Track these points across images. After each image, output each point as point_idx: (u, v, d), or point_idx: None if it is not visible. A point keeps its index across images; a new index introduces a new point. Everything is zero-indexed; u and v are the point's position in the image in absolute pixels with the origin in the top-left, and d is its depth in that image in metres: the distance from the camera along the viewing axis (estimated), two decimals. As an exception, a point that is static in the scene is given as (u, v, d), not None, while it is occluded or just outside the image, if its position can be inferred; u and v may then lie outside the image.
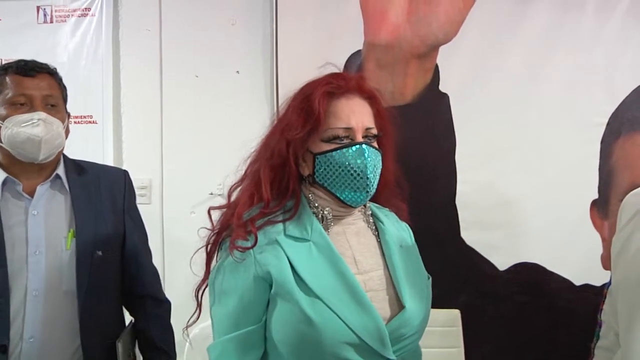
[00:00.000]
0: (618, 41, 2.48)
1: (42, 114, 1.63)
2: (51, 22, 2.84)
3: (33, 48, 2.72)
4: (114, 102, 2.84)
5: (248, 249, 1.26)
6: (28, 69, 1.67)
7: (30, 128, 1.61)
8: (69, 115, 1.79)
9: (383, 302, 1.30)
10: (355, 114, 1.31)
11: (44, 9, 2.83)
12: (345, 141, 1.30)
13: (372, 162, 1.30)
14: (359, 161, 1.28)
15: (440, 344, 2.29)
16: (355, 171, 1.28)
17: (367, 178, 1.29)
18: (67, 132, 1.75)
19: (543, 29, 2.53)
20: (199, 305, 1.39)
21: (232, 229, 1.30)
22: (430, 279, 1.44)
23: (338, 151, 1.29)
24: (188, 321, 1.42)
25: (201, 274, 1.37)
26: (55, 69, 1.76)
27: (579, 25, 2.51)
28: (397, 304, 1.32)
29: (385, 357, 1.25)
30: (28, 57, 1.74)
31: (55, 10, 2.83)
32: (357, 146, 1.29)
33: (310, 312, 1.21)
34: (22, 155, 1.65)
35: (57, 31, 2.84)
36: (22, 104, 1.64)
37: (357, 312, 1.24)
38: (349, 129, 1.30)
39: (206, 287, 1.36)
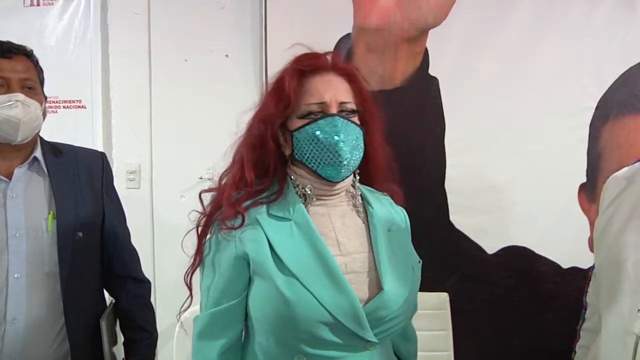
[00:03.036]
0: (607, 25, 2.48)
1: (21, 96, 1.63)
2: (38, 5, 2.81)
3: (20, 31, 2.69)
4: (103, 86, 2.82)
5: (235, 228, 1.29)
6: (5, 50, 1.65)
7: (8, 109, 1.61)
8: (45, 98, 1.78)
9: (362, 284, 1.31)
10: (327, 89, 1.32)
11: (31, -9, 2.81)
12: (319, 115, 1.32)
13: (346, 134, 1.30)
14: (330, 132, 1.29)
15: (428, 326, 2.31)
16: (328, 142, 1.29)
17: (340, 149, 1.29)
18: (44, 114, 1.75)
19: (532, 14, 2.52)
20: (190, 290, 1.41)
21: (222, 211, 1.32)
22: (421, 262, 1.44)
23: (311, 124, 1.31)
24: (181, 307, 1.43)
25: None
26: (32, 50, 1.75)
27: (569, 9, 2.51)
28: (377, 287, 1.32)
29: (365, 338, 1.26)
30: (15, 41, 1.72)
31: (42, -7, 2.80)
32: (329, 117, 1.30)
33: (285, 291, 1.23)
34: (1, 137, 1.65)
35: (44, 14, 2.82)
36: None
37: (332, 291, 1.24)
38: (322, 103, 1.31)
39: (194, 271, 1.38)
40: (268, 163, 1.35)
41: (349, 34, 2.61)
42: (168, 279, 2.60)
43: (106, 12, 2.82)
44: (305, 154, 1.32)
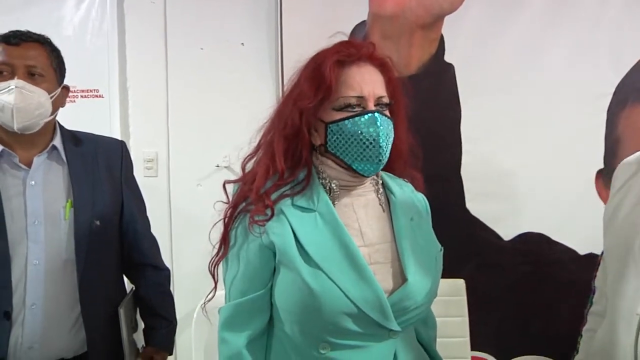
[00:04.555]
0: (625, 10, 2.46)
1: (20, 82, 1.61)
2: (55, -5, 2.84)
3: (37, 22, 2.67)
4: (120, 75, 2.83)
5: (266, 220, 1.28)
6: (13, 37, 1.65)
7: (5, 95, 1.60)
8: (66, 87, 1.78)
9: (387, 275, 1.31)
10: (366, 82, 1.31)
11: (48, -18, 2.82)
12: (357, 109, 1.30)
13: (384, 131, 1.29)
14: (371, 130, 1.28)
15: (444, 313, 2.31)
16: (367, 140, 1.28)
17: (380, 147, 1.29)
18: (58, 103, 1.73)
19: (549, -1, 2.51)
20: (215, 280, 1.41)
21: (248, 202, 1.31)
22: (442, 250, 1.44)
23: (350, 119, 1.29)
24: (206, 297, 1.44)
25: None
26: (49, 38, 1.74)
27: (585, -6, 2.49)
28: (401, 277, 1.32)
29: (388, 328, 1.27)
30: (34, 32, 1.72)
31: (60, -17, 2.82)
32: (370, 114, 1.29)
33: (310, 281, 1.23)
34: (3, 124, 1.64)
35: (61, 5, 2.83)
36: (4, 73, 1.63)
37: (357, 283, 1.25)
38: (360, 97, 1.30)
39: (220, 261, 1.38)
40: (300, 153, 1.33)
41: (364, 22, 2.61)
42: (186, 267, 2.62)
43: (122, 1, 2.82)
44: (341, 148, 1.31)
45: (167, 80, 2.81)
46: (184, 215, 2.79)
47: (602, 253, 1.44)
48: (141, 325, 1.96)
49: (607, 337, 1.28)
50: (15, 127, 1.63)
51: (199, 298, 1.59)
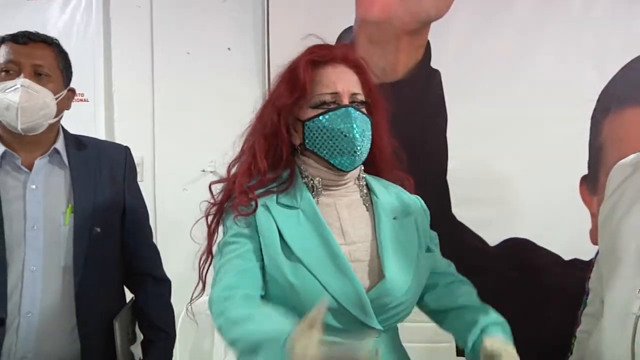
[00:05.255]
0: (609, 17, 2.48)
1: (26, 81, 1.60)
2: (40, -2, 2.82)
3: (22, 26, 2.63)
4: (105, 80, 2.82)
5: (250, 214, 1.32)
6: (22, 36, 1.65)
7: (10, 94, 1.59)
8: (72, 90, 1.77)
9: (365, 273, 1.33)
10: (340, 80, 1.36)
11: (33, -15, 2.80)
12: (333, 106, 1.35)
13: (359, 124, 1.34)
14: (346, 122, 1.33)
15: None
16: (342, 132, 1.32)
17: (355, 139, 1.33)
18: (63, 105, 1.72)
19: (534, 6, 2.52)
20: (203, 279, 1.43)
21: (233, 199, 1.35)
22: (434, 251, 1.51)
23: (325, 115, 1.34)
24: (192, 295, 1.45)
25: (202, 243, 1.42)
26: (57, 40, 1.74)
27: (570, 1, 2.50)
28: (380, 275, 1.33)
29: (370, 325, 1.28)
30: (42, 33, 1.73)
31: (45, -13, 2.80)
32: (344, 109, 1.34)
33: (290, 277, 1.26)
34: (7, 124, 1.62)
35: (46, 8, 2.82)
36: (10, 71, 1.62)
37: (337, 278, 1.27)
38: (335, 93, 1.35)
39: (208, 259, 1.40)
40: (280, 152, 1.38)
41: (351, 27, 2.62)
42: (171, 272, 2.59)
43: (108, 5, 2.82)
44: (318, 144, 1.35)
45: (153, 85, 2.80)
46: (169, 219, 2.77)
47: (597, 255, 1.46)
48: (140, 337, 1.91)
49: (603, 338, 1.29)
50: (19, 127, 1.60)
51: (184, 303, 1.58)
